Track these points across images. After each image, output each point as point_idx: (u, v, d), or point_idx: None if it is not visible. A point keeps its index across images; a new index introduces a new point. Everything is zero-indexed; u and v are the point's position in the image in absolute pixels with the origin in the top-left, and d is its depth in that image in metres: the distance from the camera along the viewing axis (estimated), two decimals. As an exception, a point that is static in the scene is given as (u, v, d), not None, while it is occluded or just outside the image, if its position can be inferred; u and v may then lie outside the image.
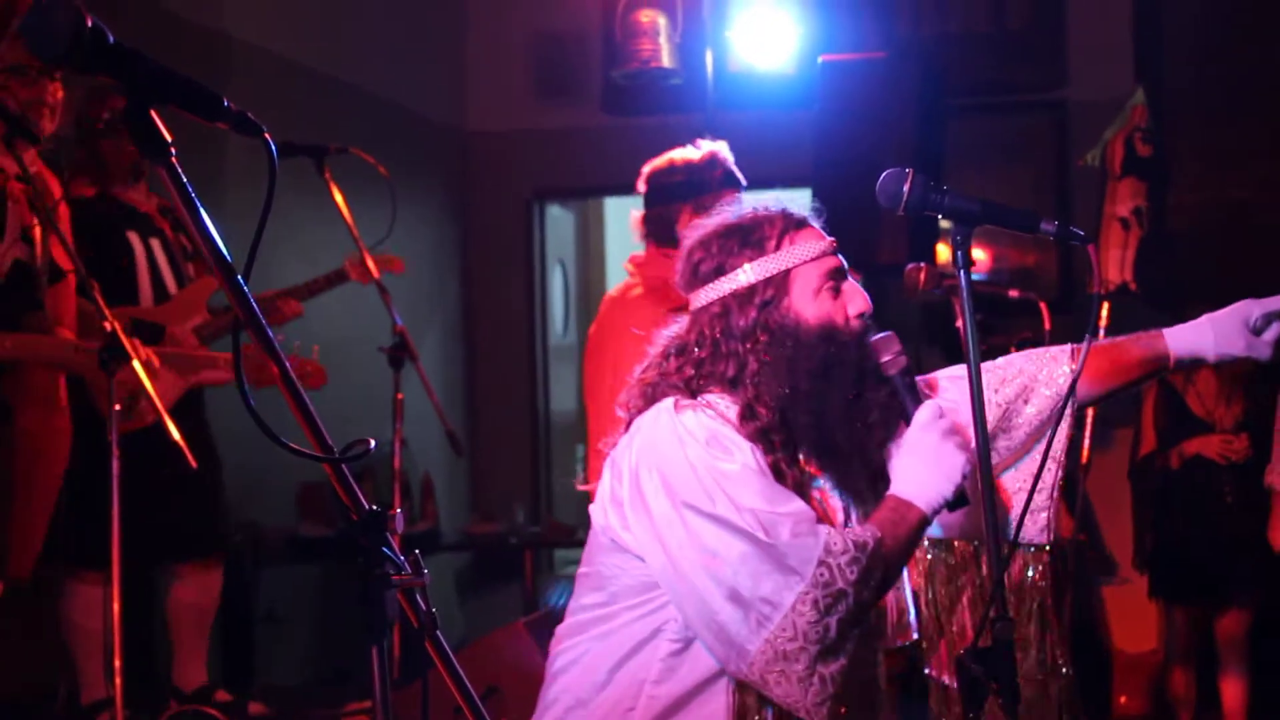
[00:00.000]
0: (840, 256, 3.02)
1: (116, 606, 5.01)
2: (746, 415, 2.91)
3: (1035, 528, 3.21)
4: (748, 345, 2.94)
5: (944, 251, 7.38)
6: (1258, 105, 8.93)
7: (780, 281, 2.95)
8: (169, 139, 1.90)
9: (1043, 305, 5.05)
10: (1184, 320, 7.33)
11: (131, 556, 5.27)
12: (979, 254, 9.38)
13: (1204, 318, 3.27)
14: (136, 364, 4.91)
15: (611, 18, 6.93)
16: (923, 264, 4.87)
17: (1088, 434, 7.13)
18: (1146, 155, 7.66)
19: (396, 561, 2.12)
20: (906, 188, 2.82)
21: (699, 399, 2.93)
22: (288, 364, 2.06)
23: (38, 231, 5.21)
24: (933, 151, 7.60)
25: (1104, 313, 7.24)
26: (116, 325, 4.92)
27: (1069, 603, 7.08)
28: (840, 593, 2.74)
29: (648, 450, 2.88)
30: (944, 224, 7.25)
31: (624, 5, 6.62)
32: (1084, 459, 7.15)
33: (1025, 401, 3.20)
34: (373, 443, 2.08)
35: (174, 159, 1.90)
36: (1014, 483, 3.26)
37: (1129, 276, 7.47)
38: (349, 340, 7.35)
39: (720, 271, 2.98)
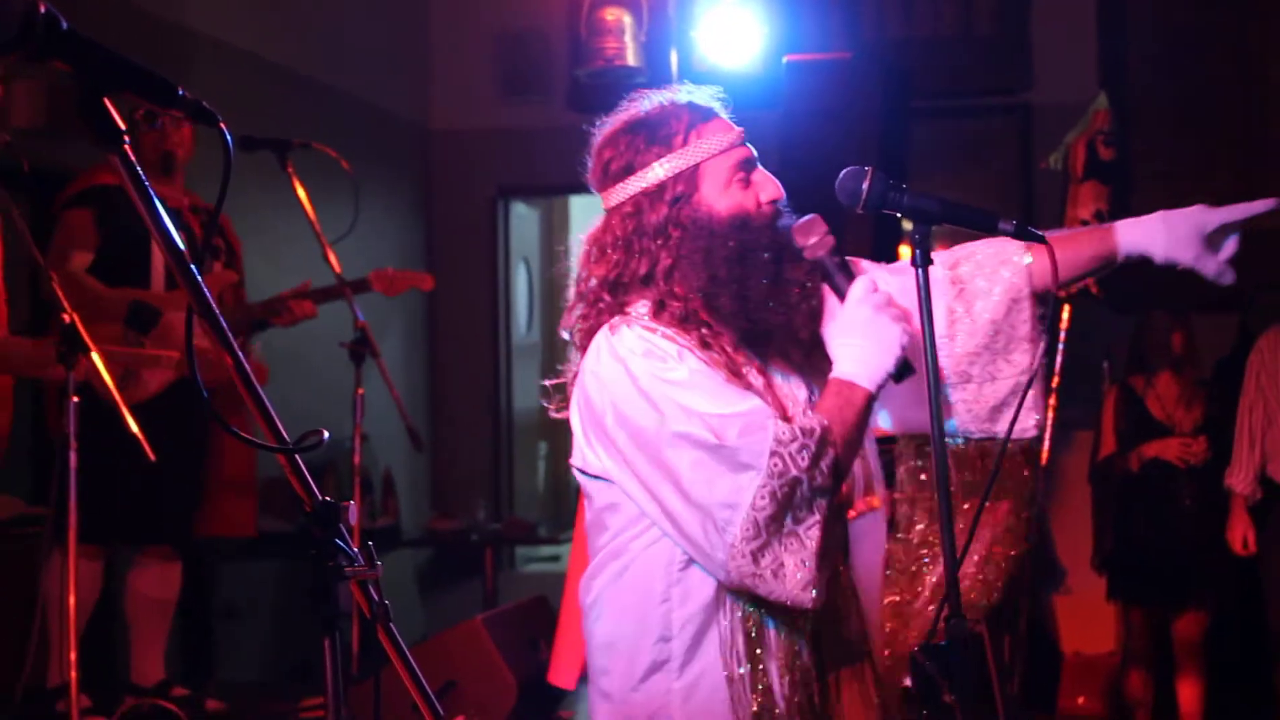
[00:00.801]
0: (749, 146, 2.98)
1: (73, 599, 4.98)
2: (657, 310, 2.89)
3: (1025, 412, 3.13)
4: (659, 241, 2.90)
5: (906, 252, 7.39)
6: (1218, 115, 8.97)
7: (690, 176, 2.90)
8: (122, 126, 1.89)
9: (1003, 306, 5.04)
10: (1144, 327, 7.37)
11: (103, 536, 5.29)
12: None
13: (1158, 214, 3.18)
14: (95, 356, 4.89)
15: (577, 16, 6.93)
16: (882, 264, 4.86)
17: (1047, 436, 7.16)
18: (1108, 159, 7.69)
19: (349, 553, 2.11)
20: (865, 185, 2.82)
21: (626, 312, 2.92)
22: (241, 356, 2.06)
23: None
24: (897, 152, 7.63)
25: (1065, 315, 7.27)
26: (75, 318, 4.89)
27: (1022, 607, 7.10)
28: (795, 480, 2.71)
29: (594, 378, 2.87)
30: (907, 224, 7.31)
31: (589, 3, 6.61)
32: (1043, 460, 7.17)
33: (984, 280, 3.18)
34: (325, 434, 2.07)
35: (127, 147, 1.90)
36: (987, 368, 3.19)
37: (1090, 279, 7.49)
38: (311, 335, 7.32)
39: (629, 170, 2.94)
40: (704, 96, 3.02)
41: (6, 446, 5.42)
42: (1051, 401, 7.09)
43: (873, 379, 2.84)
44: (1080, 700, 8.13)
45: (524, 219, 11.17)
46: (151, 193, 1.93)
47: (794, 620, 2.86)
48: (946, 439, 2.89)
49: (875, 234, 6.85)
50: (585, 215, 12.27)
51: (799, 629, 2.88)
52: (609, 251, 2.95)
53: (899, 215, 2.87)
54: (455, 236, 10.42)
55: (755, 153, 3.00)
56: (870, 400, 2.86)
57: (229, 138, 1.99)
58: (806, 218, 2.94)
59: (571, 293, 3.04)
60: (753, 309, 2.87)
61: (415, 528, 9.65)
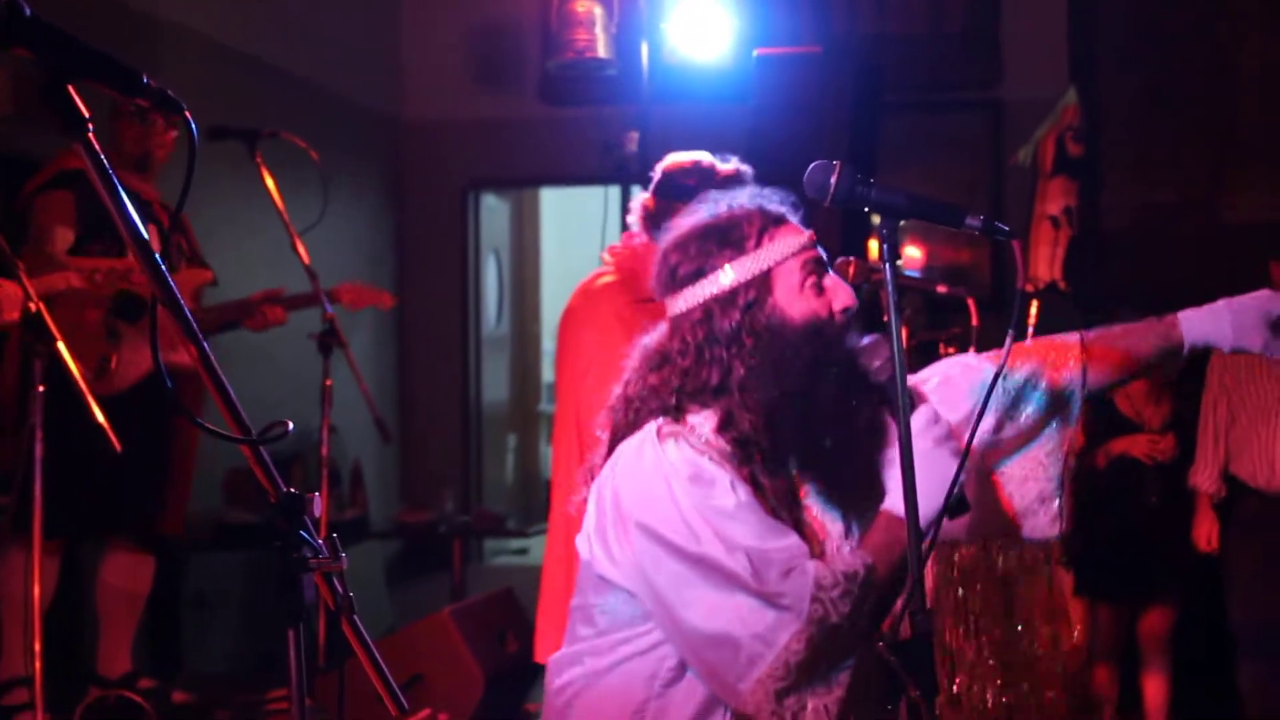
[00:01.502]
0: (820, 249, 2.94)
1: (37, 589, 4.97)
2: (725, 423, 2.80)
3: (1048, 518, 3.13)
4: (733, 350, 2.82)
5: (875, 247, 7.40)
6: (1186, 111, 9.02)
7: (762, 281, 2.84)
8: (87, 114, 1.88)
9: (970, 301, 5.06)
10: (1111, 320, 7.38)
11: (66, 528, 5.27)
12: (914, 251, 9.43)
13: (1221, 303, 3.17)
14: (61, 345, 4.87)
15: (548, 7, 6.91)
16: (852, 258, 4.87)
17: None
18: (1077, 155, 7.72)
19: (314, 545, 2.11)
20: (834, 179, 2.81)
21: (682, 422, 2.82)
22: (206, 346, 2.05)
23: None
24: (867, 147, 7.62)
25: (1032, 310, 7.28)
26: (41, 306, 4.87)
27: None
28: (834, 628, 2.67)
29: (631, 484, 2.80)
30: (876, 219, 7.29)
31: (560, -6, 6.60)
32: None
33: (1034, 388, 3.11)
34: (290, 425, 2.07)
35: (91, 135, 1.89)
36: (1020, 470, 3.14)
37: (1058, 275, 7.52)
38: (278, 328, 7.31)
39: (700, 274, 2.86)
40: (775, 200, 2.97)
41: None
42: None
43: (925, 516, 2.73)
44: (1047, 696, 8.14)
45: (494, 211, 11.16)
46: (115, 180, 1.92)
47: None
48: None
49: (844, 228, 6.85)
50: (555, 207, 12.28)
51: None
52: (678, 359, 2.86)
53: (866, 210, 2.86)
54: (425, 228, 10.41)
55: (826, 257, 2.94)
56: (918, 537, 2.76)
57: (193, 127, 1.98)
58: (872, 338, 2.88)
59: (618, 393, 2.96)
60: (817, 424, 2.79)
61: (383, 520, 9.63)
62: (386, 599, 9.60)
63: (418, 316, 10.35)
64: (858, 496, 2.89)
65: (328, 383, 6.44)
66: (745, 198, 2.95)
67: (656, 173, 4.95)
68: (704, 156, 4.94)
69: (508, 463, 11.81)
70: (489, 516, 9.69)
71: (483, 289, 10.85)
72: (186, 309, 2.01)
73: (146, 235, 1.95)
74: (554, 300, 11.55)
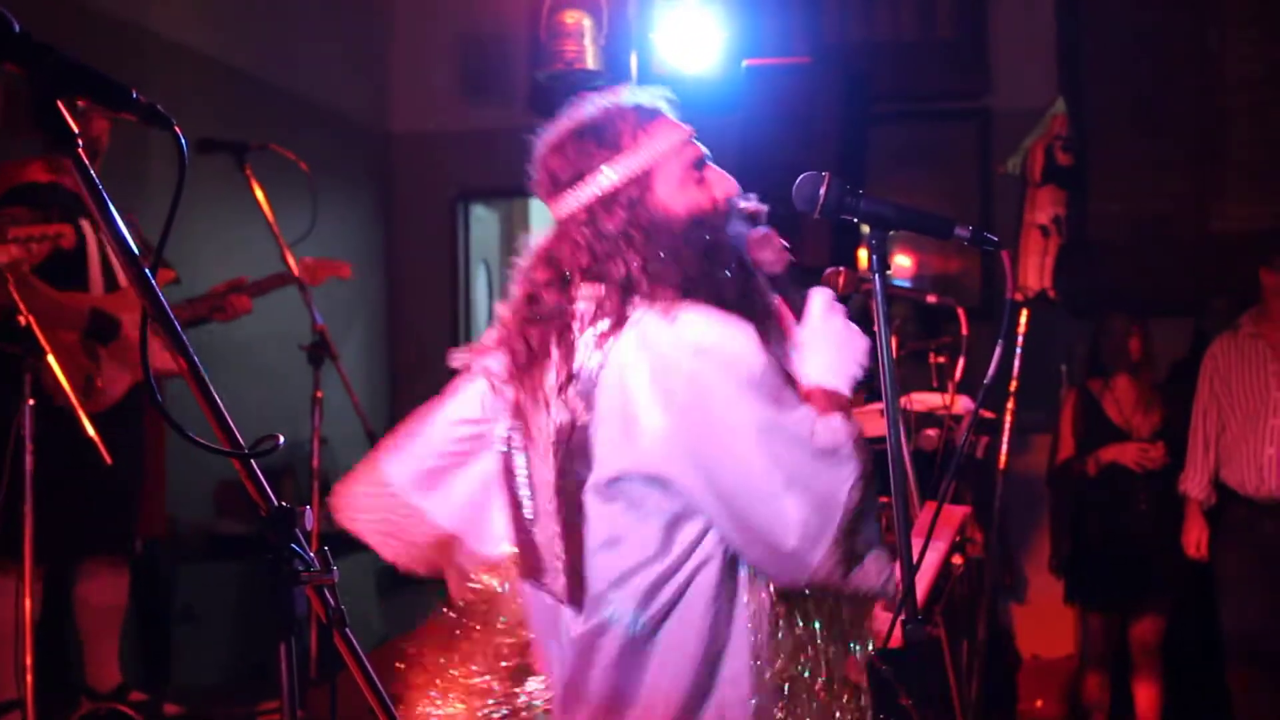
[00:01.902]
0: (699, 144, 2.91)
1: (28, 604, 4.97)
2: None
3: None
4: (622, 246, 2.78)
5: (865, 257, 7.41)
6: (1174, 120, 9.03)
7: (643, 178, 2.83)
8: (75, 129, 1.89)
9: (960, 311, 5.05)
10: (1102, 331, 7.43)
11: (45, 551, 5.24)
12: (904, 260, 9.44)
13: None
14: (51, 359, 4.87)
15: (536, 19, 6.91)
16: (842, 268, 4.86)
17: (1005, 439, 7.18)
18: (1066, 164, 7.72)
19: (305, 558, 2.11)
20: (823, 191, 2.82)
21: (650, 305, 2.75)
22: (195, 359, 2.05)
23: None
24: (856, 157, 7.64)
25: (1022, 320, 7.29)
26: (32, 320, 4.88)
27: (983, 612, 7.12)
28: (870, 476, 2.68)
29: (668, 360, 2.67)
30: (866, 229, 7.30)
31: (549, 6, 6.60)
32: (1001, 464, 7.20)
33: None
34: (281, 439, 2.07)
35: (80, 150, 1.89)
36: None
37: (1048, 284, 7.52)
38: (269, 338, 7.31)
39: (579, 177, 2.84)
40: (648, 97, 2.95)
41: None
42: (1009, 405, 7.11)
43: (850, 387, 2.81)
44: (1038, 704, 8.16)
45: (484, 221, 11.15)
46: (105, 195, 1.92)
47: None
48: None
49: (834, 239, 6.86)
50: (545, 217, 12.26)
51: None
52: (572, 258, 2.83)
53: (856, 220, 2.87)
54: (415, 238, 10.41)
55: (706, 150, 2.92)
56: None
57: (183, 142, 1.98)
58: (762, 231, 2.90)
59: (517, 294, 2.91)
60: (730, 308, 2.75)
61: (375, 531, 9.61)
62: (378, 610, 9.58)
63: (409, 327, 10.35)
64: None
65: (318, 394, 6.43)
66: (618, 96, 2.93)
67: None
68: None
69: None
70: (480, 527, 9.68)
71: (473, 299, 10.84)
72: (176, 323, 2.01)
73: (136, 250, 1.95)
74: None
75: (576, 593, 2.76)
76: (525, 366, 2.83)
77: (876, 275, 2.81)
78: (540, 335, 2.82)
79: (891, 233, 2.86)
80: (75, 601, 6.25)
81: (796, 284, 2.91)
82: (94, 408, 5.52)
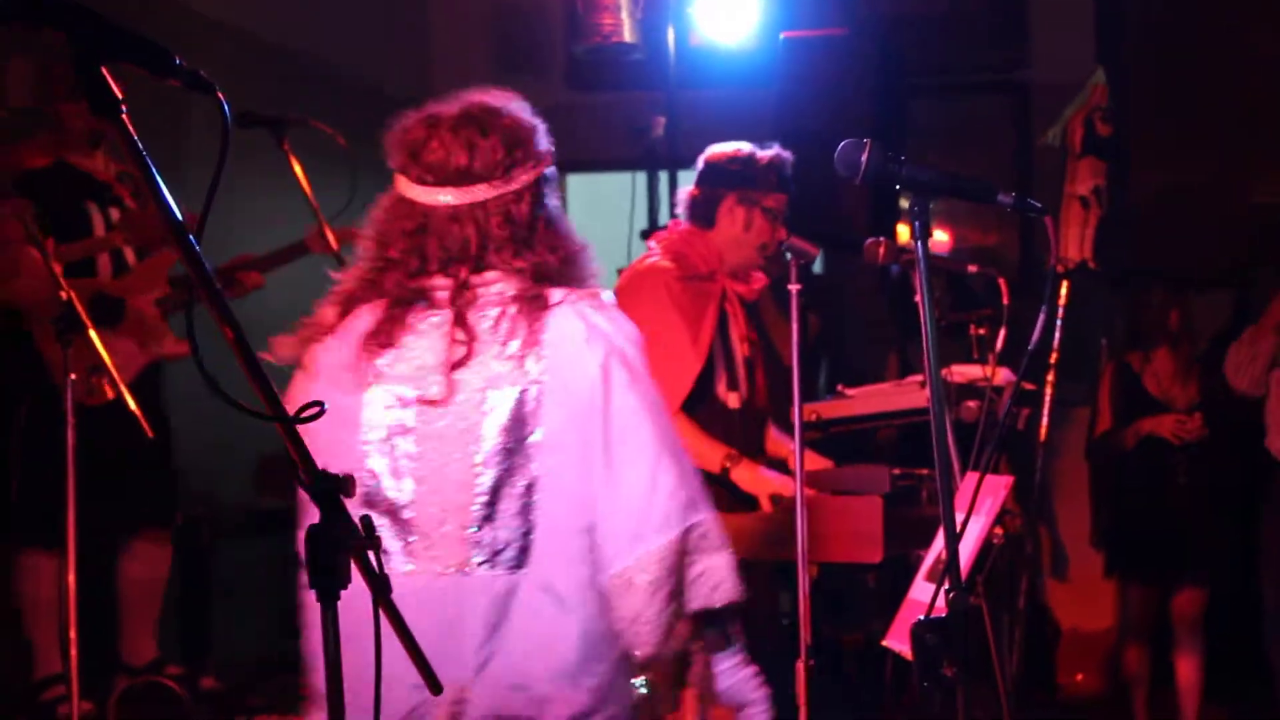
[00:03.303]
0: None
1: (71, 579, 4.98)
2: None
3: None
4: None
5: (904, 232, 7.39)
6: (1216, 91, 8.97)
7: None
8: (120, 96, 1.88)
9: (1002, 281, 5.04)
10: (1142, 304, 7.40)
11: (85, 530, 5.26)
12: (941, 235, 9.40)
13: None
14: (93, 334, 4.88)
15: (574, -7, 6.91)
16: (882, 238, 4.87)
17: (1045, 413, 7.15)
18: (1106, 135, 7.68)
19: (349, 524, 2.11)
20: (864, 157, 2.82)
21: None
22: (241, 328, 2.05)
23: None
24: (893, 130, 7.61)
25: (1063, 291, 7.26)
26: (73, 295, 4.89)
27: (1022, 585, 7.11)
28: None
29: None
30: (904, 203, 7.26)
31: (586, -20, 6.59)
32: (1041, 437, 7.17)
33: None
34: (325, 404, 2.07)
35: (125, 116, 1.88)
36: None
37: (1088, 255, 7.48)
38: (304, 314, 7.30)
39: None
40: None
41: None
42: (1050, 378, 7.09)
43: None
44: (1078, 677, 8.15)
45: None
46: (149, 163, 1.92)
47: None
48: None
49: (872, 208, 6.84)
50: (581, 193, 12.26)
51: None
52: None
53: (898, 187, 2.86)
54: (452, 215, 10.40)
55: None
56: None
57: (226, 108, 1.98)
58: None
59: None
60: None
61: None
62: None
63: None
64: None
65: (351, 370, 6.43)
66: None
67: (699, 163, 5.05)
68: (744, 146, 5.06)
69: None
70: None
71: (510, 275, 10.83)
72: (222, 293, 2.01)
73: (181, 218, 1.95)
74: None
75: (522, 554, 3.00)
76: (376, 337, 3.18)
77: (919, 242, 2.80)
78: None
79: (932, 203, 2.86)
80: (118, 576, 6.28)
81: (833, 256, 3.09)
82: (101, 398, 5.52)
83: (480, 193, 3.12)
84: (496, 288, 3.05)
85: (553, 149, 3.21)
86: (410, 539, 3.02)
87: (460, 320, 3.03)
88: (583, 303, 3.05)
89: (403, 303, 3.10)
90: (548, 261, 3.09)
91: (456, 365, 3.01)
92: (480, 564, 2.97)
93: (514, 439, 2.97)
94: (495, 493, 2.97)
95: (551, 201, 3.19)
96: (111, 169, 6.18)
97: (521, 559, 2.96)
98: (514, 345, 2.99)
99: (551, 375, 2.97)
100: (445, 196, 3.15)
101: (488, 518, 2.97)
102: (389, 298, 3.13)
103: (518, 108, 3.26)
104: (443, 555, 2.98)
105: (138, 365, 5.96)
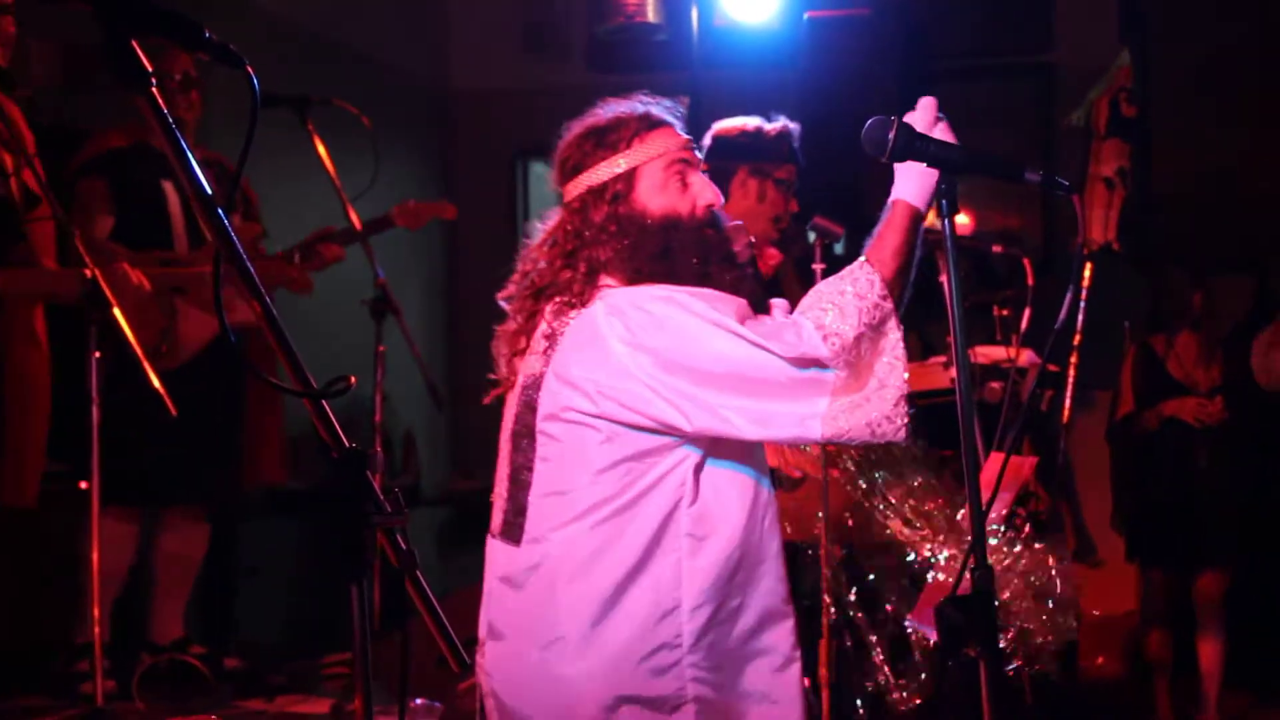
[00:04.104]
0: (694, 153, 3.31)
1: (95, 555, 5.00)
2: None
3: None
4: (601, 236, 3.21)
5: (927, 216, 7.36)
6: (1241, 73, 8.93)
7: (628, 177, 3.23)
8: (149, 69, 1.88)
9: (1026, 261, 5.04)
10: (1165, 287, 7.36)
11: (136, 498, 5.31)
12: (963, 219, 9.38)
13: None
14: (118, 313, 4.89)
15: (597, -28, 6.89)
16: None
17: (1068, 395, 7.14)
18: (1131, 116, 7.65)
19: (376, 500, 2.11)
20: (891, 135, 2.81)
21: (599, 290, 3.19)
22: (269, 301, 2.05)
23: (9, 163, 5.20)
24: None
25: (1087, 273, 7.24)
26: (97, 273, 4.90)
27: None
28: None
29: (621, 322, 3.07)
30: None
31: (609, -41, 6.58)
32: (1064, 419, 7.15)
33: None
34: (354, 380, 2.07)
35: (154, 89, 1.88)
36: None
37: (1112, 236, 7.46)
38: (330, 292, 7.32)
39: (579, 169, 3.27)
40: (659, 109, 3.34)
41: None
42: (1073, 359, 7.07)
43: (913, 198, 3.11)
44: (1099, 660, 8.12)
45: (543, 178, 11.09)
46: (179, 136, 1.92)
47: None
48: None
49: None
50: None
51: None
52: (564, 241, 3.26)
53: (925, 164, 2.85)
54: (474, 196, 10.38)
55: (699, 160, 3.34)
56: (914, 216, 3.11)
57: (255, 81, 1.98)
58: (736, 223, 3.27)
59: (519, 270, 3.35)
60: None
61: (435, 487, 9.65)
62: (438, 566, 9.63)
63: (468, 285, 10.35)
64: None
65: (381, 349, 6.44)
66: (638, 102, 3.34)
67: (707, 138, 5.03)
68: (751, 120, 5.04)
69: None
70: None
71: (533, 257, 10.82)
72: (250, 267, 2.01)
73: (210, 191, 1.95)
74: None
75: (512, 529, 3.19)
76: (506, 334, 3.35)
77: (945, 220, 2.79)
78: (519, 309, 3.32)
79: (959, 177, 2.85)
80: (155, 551, 6.29)
81: (763, 282, 3.30)
82: (169, 363, 5.55)
83: (569, 192, 3.30)
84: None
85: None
86: None
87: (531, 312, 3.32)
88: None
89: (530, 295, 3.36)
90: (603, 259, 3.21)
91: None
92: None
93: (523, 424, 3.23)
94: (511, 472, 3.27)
95: (635, 197, 3.25)
96: (196, 153, 6.19)
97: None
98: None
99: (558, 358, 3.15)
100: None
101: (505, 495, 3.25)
102: None
103: (619, 106, 3.35)
104: None
105: (204, 338, 5.99)
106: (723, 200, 3.29)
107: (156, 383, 4.92)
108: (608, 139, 3.25)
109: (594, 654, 3.03)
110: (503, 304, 3.36)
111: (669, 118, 3.32)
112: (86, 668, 5.41)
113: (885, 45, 7.44)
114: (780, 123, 5.15)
